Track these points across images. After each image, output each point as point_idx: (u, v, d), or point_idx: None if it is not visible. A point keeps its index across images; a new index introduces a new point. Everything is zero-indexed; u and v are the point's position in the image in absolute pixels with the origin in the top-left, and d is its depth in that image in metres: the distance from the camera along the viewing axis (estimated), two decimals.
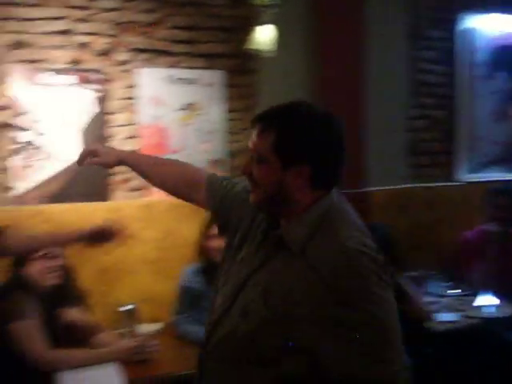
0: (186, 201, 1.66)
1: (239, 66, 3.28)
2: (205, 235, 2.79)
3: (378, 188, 3.55)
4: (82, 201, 2.97)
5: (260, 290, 1.28)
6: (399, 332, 1.22)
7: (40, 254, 2.42)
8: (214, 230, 2.64)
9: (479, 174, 4.06)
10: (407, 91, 3.84)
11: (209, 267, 2.75)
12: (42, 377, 2.25)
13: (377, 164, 3.48)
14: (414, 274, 3.18)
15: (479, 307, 3.10)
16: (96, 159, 1.64)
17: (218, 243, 2.61)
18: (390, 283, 1.24)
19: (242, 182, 1.49)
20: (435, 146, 4.02)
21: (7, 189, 2.86)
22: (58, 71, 2.95)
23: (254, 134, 1.30)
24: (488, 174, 3.98)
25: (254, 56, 3.22)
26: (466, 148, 4.05)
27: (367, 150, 3.44)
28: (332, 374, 1.18)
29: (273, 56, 3.11)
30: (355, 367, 1.16)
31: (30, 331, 2.29)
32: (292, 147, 1.25)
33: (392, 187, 3.69)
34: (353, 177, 3.32)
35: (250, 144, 1.31)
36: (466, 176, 4.05)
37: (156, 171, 1.66)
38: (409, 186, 3.79)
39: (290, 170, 1.26)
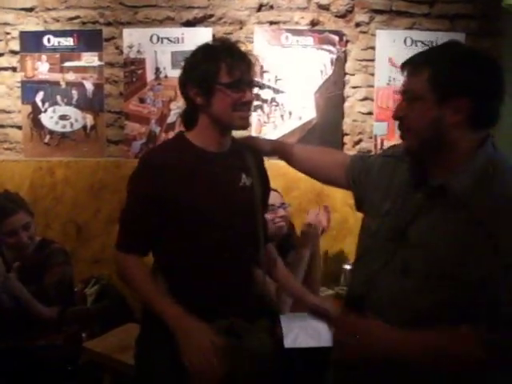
0: (336, 186, 1.92)
1: (483, 28, 3.43)
2: None
3: None
4: None
5: (420, 245, 1.37)
6: None
7: (268, 205, 2.87)
8: None
9: None
10: None
11: None
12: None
13: None
14: None
15: None
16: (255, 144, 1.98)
17: None
18: None
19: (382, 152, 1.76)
20: None
21: None
22: (299, 32, 3.38)
23: (405, 77, 1.40)
24: None
25: (499, 17, 3.36)
26: None
27: None
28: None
29: None
30: None
31: None
32: (448, 78, 1.31)
33: None
34: None
35: (402, 86, 1.41)
36: None
37: (307, 163, 1.95)
38: None
39: (446, 105, 1.31)
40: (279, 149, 2.02)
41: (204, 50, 1.80)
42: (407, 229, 1.41)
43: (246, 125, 1.82)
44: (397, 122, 1.45)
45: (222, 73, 1.73)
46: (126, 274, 1.81)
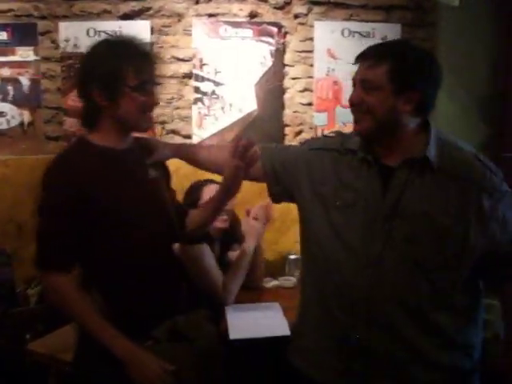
0: (248, 179, 1.95)
1: (417, 19, 3.56)
2: None
3: None
4: None
5: (417, 214, 1.58)
6: None
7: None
8: None
9: None
10: None
11: None
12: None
13: None
14: None
15: None
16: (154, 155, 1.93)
17: None
18: None
19: (298, 145, 1.89)
20: None
21: (188, 136, 3.40)
22: (238, 24, 3.43)
23: (363, 67, 1.62)
24: None
25: (434, 8, 3.49)
26: None
27: None
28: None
29: (455, 8, 3.35)
30: None
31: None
32: (407, 74, 1.58)
33: None
34: None
35: (360, 75, 1.62)
36: None
37: (209, 160, 2.04)
38: None
39: (401, 96, 1.58)
40: (181, 152, 2.07)
41: (107, 48, 1.76)
42: (398, 205, 1.60)
43: (150, 126, 1.88)
44: (343, 110, 1.68)
45: (129, 75, 1.70)
46: (60, 299, 1.73)
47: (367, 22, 3.53)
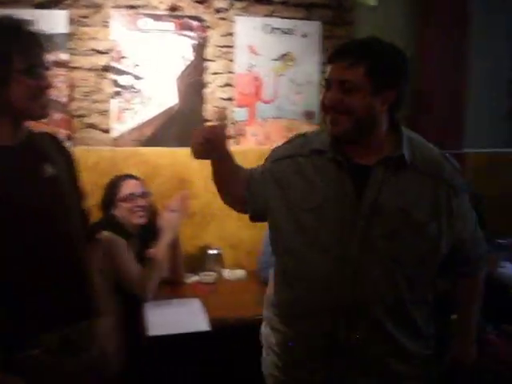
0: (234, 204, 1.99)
1: (337, 18, 3.65)
2: None
3: (475, 150, 3.85)
4: (176, 145, 3.44)
5: (396, 211, 1.63)
6: None
7: (127, 194, 2.91)
8: None
9: None
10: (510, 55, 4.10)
11: None
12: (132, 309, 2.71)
13: (474, 127, 3.78)
14: (503, 241, 3.51)
15: None
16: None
17: None
18: None
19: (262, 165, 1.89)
20: None
21: (106, 130, 3.36)
22: (158, 17, 3.41)
23: (340, 67, 1.60)
24: None
25: (353, 7, 3.59)
26: None
27: (467, 111, 3.75)
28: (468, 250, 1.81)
29: (373, 7, 3.46)
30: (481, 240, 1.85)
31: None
32: (385, 73, 1.60)
33: (489, 150, 3.97)
34: (451, 138, 3.66)
35: (337, 75, 1.60)
36: None
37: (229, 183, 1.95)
38: (506, 150, 4.07)
39: (379, 96, 1.60)
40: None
41: None
42: (376, 203, 1.63)
43: (46, 114, 1.72)
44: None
45: (17, 58, 1.59)
46: None
47: (288, 18, 3.58)
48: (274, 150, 1.89)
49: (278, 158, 1.82)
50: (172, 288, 3.07)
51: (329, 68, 1.66)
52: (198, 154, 1.75)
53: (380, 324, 1.67)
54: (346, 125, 1.62)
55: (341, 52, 1.64)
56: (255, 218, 1.92)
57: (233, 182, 1.90)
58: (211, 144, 1.71)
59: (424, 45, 3.68)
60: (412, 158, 1.66)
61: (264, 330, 1.98)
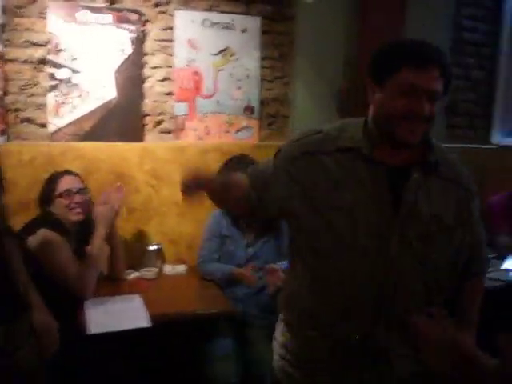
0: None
1: (276, 13, 3.70)
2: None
3: None
4: (115, 140, 3.43)
5: (431, 215, 1.68)
6: None
7: (64, 190, 2.90)
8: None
9: None
10: (448, 48, 4.23)
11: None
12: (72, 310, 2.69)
13: None
14: None
15: (505, 270, 3.54)
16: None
17: None
18: None
19: (272, 160, 1.83)
20: (473, 107, 4.43)
21: (43, 125, 3.32)
22: (97, 10, 3.38)
23: (430, 77, 1.58)
24: None
25: (293, 3, 3.64)
26: (504, 111, 4.46)
27: None
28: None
29: (311, 3, 3.53)
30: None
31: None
32: (448, 85, 1.64)
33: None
34: None
35: (427, 86, 1.58)
36: (503, 139, 4.47)
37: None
38: (445, 145, 4.20)
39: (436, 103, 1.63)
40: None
41: None
42: (415, 206, 1.67)
43: None
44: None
45: None
46: None
47: (228, 13, 3.61)
48: (285, 148, 1.82)
49: (295, 157, 1.75)
50: (112, 285, 3.07)
51: (412, 74, 1.58)
52: (188, 196, 1.87)
53: (406, 325, 1.63)
54: (422, 133, 1.65)
55: (430, 60, 1.59)
56: (266, 220, 1.96)
57: (232, 202, 1.93)
58: (196, 186, 1.83)
59: (364, 40, 3.77)
60: (440, 163, 1.73)
61: (281, 336, 1.93)
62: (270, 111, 3.78)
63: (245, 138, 3.75)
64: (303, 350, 1.82)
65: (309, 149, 1.73)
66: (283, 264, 3.13)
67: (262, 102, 3.75)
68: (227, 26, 3.60)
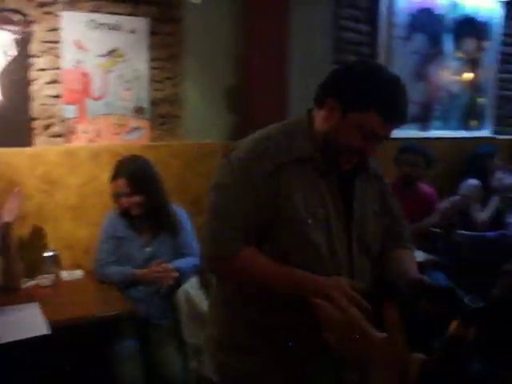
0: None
1: (164, 14, 3.73)
2: (111, 186, 3.27)
3: None
4: (3, 145, 3.33)
5: (372, 212, 1.87)
6: None
7: None
8: (118, 183, 3.18)
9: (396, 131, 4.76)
10: (330, 47, 4.45)
11: (127, 212, 3.24)
12: None
13: None
14: None
15: None
16: None
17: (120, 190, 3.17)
18: None
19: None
20: None
21: None
22: None
23: (392, 128, 1.72)
24: (404, 132, 4.62)
25: (180, 4, 3.69)
26: None
27: (290, 103, 4.02)
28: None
29: (198, 4, 3.59)
30: None
31: None
32: None
33: None
34: None
35: (387, 135, 1.72)
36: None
37: None
38: None
39: None
40: None
41: None
42: (365, 209, 1.84)
43: None
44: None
45: None
46: None
47: (115, 14, 3.60)
48: (249, 164, 1.73)
49: (270, 173, 1.71)
50: (8, 295, 2.98)
51: (377, 122, 1.66)
52: None
53: None
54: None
55: (399, 118, 1.72)
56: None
57: None
58: None
59: (251, 39, 3.89)
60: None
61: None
62: (160, 112, 3.81)
63: (136, 139, 3.75)
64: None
65: (275, 160, 1.72)
66: (181, 262, 3.20)
67: (153, 103, 3.77)
68: (114, 27, 3.60)
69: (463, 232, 4.36)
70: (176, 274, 3.13)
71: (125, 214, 3.24)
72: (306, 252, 1.72)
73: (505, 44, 5.63)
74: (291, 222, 1.71)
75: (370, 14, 4.68)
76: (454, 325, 1.01)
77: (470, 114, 5.43)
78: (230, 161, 1.78)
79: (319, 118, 1.75)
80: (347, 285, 1.62)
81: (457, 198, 4.34)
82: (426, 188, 4.32)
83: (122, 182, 3.18)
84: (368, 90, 1.64)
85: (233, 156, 1.78)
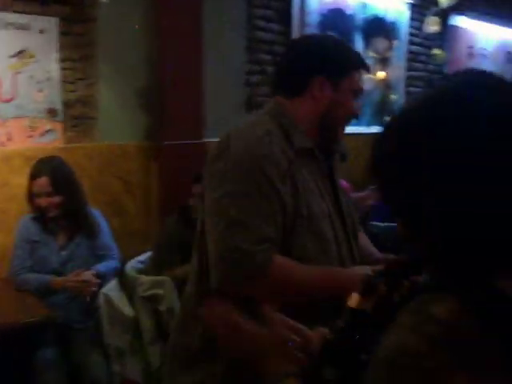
0: None
1: (74, 14, 3.67)
2: (30, 186, 3.18)
3: (215, 139, 4.16)
4: None
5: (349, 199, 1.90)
6: None
7: None
8: (40, 182, 3.10)
9: None
10: (243, 46, 4.51)
11: (43, 216, 3.17)
12: None
13: (215, 116, 4.08)
14: None
15: None
16: None
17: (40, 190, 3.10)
18: None
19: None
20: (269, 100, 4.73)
21: None
22: None
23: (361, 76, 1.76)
24: None
25: (92, 4, 3.65)
26: None
27: (205, 102, 4.05)
28: None
29: (108, 4, 3.56)
30: None
31: None
32: None
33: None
34: (192, 128, 3.93)
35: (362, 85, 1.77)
36: None
37: None
38: None
39: None
40: None
41: None
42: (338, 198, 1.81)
43: None
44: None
45: None
46: None
47: (23, 13, 3.51)
48: (261, 162, 1.58)
49: (285, 169, 1.62)
50: None
51: (358, 78, 1.74)
52: None
53: None
54: None
55: (368, 67, 1.82)
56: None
57: None
58: None
59: (163, 38, 3.89)
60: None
61: None
62: (74, 113, 3.75)
63: (49, 141, 3.68)
64: None
65: (286, 157, 1.63)
66: (102, 266, 3.17)
67: (66, 105, 3.70)
68: (23, 27, 3.51)
69: (377, 223, 4.50)
70: (98, 281, 3.09)
71: (40, 217, 3.17)
72: (320, 248, 1.66)
73: (411, 43, 5.88)
74: (310, 219, 1.64)
75: (283, 14, 4.77)
76: (353, 297, 1.05)
77: (383, 111, 5.63)
78: (236, 165, 1.60)
79: (304, 105, 1.70)
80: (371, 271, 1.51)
81: (368, 191, 4.48)
82: (342, 183, 4.42)
83: (44, 181, 3.10)
84: (345, 54, 1.74)
85: (237, 159, 1.61)
